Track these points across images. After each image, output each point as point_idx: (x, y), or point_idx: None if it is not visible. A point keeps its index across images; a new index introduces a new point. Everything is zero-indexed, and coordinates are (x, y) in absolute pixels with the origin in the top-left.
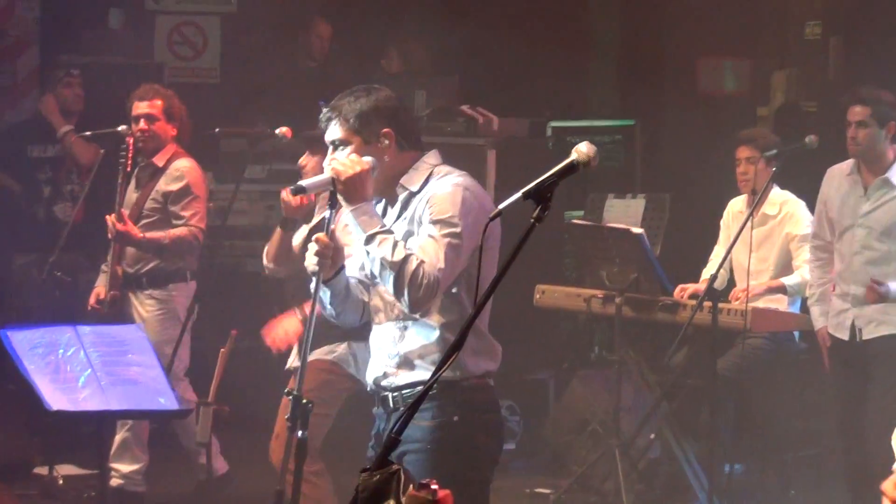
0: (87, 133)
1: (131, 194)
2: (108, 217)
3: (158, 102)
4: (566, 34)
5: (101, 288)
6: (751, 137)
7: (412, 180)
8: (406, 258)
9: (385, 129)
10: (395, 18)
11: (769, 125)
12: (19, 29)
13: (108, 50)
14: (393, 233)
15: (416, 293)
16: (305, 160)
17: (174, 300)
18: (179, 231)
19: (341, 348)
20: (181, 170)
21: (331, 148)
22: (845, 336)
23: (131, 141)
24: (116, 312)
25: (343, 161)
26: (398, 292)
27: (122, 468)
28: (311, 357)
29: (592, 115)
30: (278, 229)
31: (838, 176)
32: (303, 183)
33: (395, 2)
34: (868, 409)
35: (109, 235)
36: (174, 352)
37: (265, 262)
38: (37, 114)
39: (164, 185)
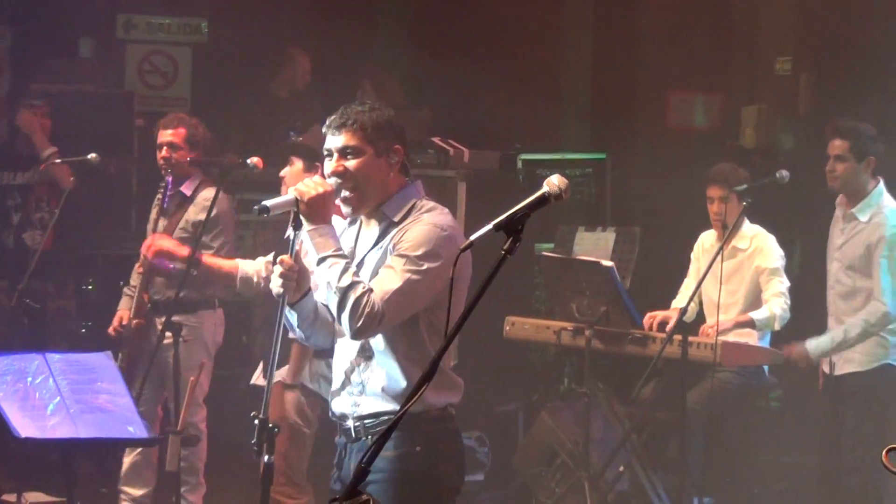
0: (58, 161)
1: (159, 222)
2: (144, 248)
3: (182, 130)
4: (538, 67)
5: (124, 312)
6: (722, 176)
7: (395, 210)
8: (352, 285)
9: (396, 146)
10: (367, 51)
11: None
12: None
13: (78, 78)
14: (347, 258)
15: (356, 322)
16: (284, 172)
17: (202, 327)
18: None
19: (305, 369)
20: (210, 199)
21: (335, 156)
22: (828, 369)
23: (171, 179)
24: (141, 339)
25: (307, 182)
26: (338, 317)
27: (133, 492)
28: (275, 379)
29: (563, 149)
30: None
31: (835, 217)
32: (267, 203)
33: (367, 34)
34: (842, 442)
35: (139, 268)
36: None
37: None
38: (6, 141)
39: (194, 214)
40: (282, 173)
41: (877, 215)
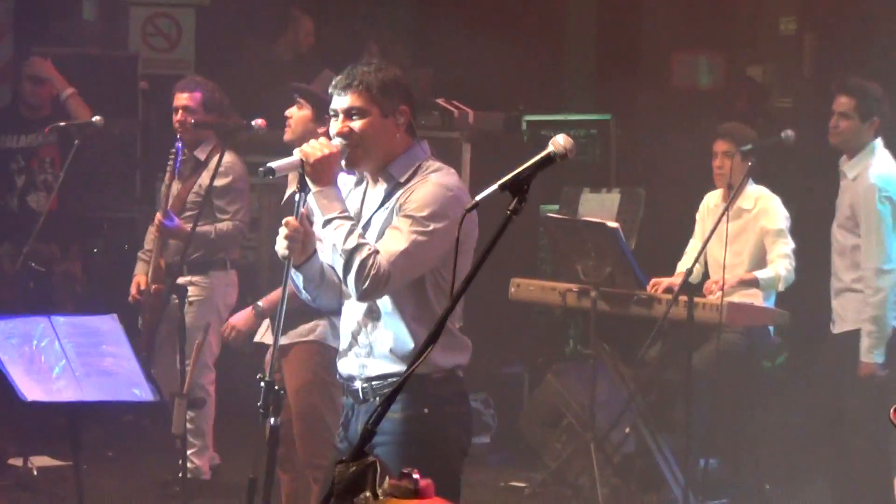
0: (61, 123)
1: (174, 186)
2: (157, 214)
3: (197, 94)
4: (542, 28)
5: (140, 277)
6: (729, 131)
7: (401, 170)
8: (358, 246)
9: (403, 107)
10: (372, 12)
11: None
12: None
13: (81, 41)
14: (352, 219)
15: (362, 283)
16: (291, 112)
17: (213, 288)
18: (225, 225)
19: (321, 325)
20: (224, 164)
21: (341, 116)
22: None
23: (180, 145)
24: (160, 304)
25: (313, 144)
26: (344, 279)
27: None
28: (291, 340)
29: (568, 110)
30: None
31: None
32: (272, 164)
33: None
34: (845, 402)
35: (155, 230)
36: (204, 339)
37: None
38: (9, 104)
39: (207, 179)
40: (287, 112)
41: (863, 171)
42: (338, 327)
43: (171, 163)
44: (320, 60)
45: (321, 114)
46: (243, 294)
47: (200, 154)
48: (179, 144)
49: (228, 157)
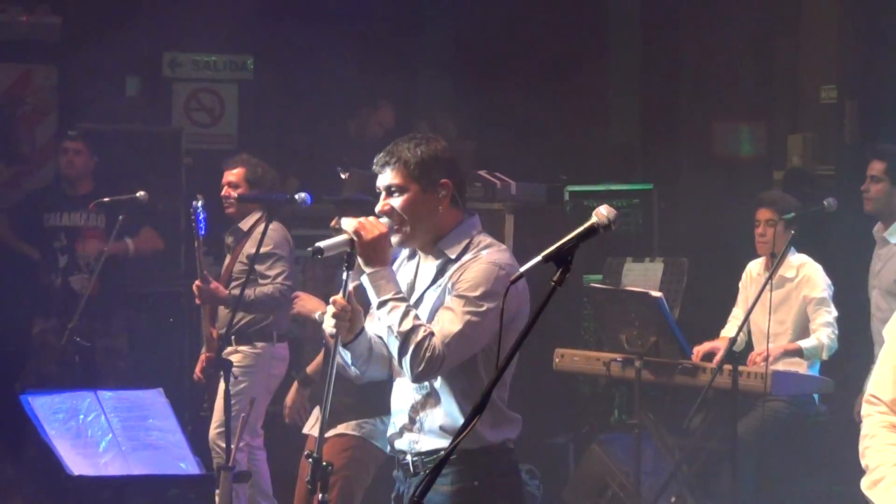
0: (105, 199)
1: (224, 260)
2: (195, 283)
3: (241, 170)
4: (584, 99)
5: (204, 354)
6: (772, 200)
7: (452, 247)
8: (413, 329)
9: (444, 180)
10: (413, 87)
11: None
12: (37, 97)
13: (125, 117)
14: (407, 301)
15: (418, 365)
16: (336, 223)
17: (259, 357)
18: (265, 288)
19: (371, 424)
20: (265, 233)
21: (384, 193)
22: None
23: (199, 204)
24: (214, 374)
25: (364, 223)
26: (399, 361)
27: None
28: (338, 431)
29: (609, 180)
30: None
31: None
32: (321, 244)
33: (412, 70)
34: None
35: (197, 301)
36: (250, 406)
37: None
38: (52, 181)
39: (250, 247)
40: (333, 223)
41: None
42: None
43: (192, 225)
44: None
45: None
46: (289, 367)
47: (244, 226)
48: (196, 203)
49: (270, 226)
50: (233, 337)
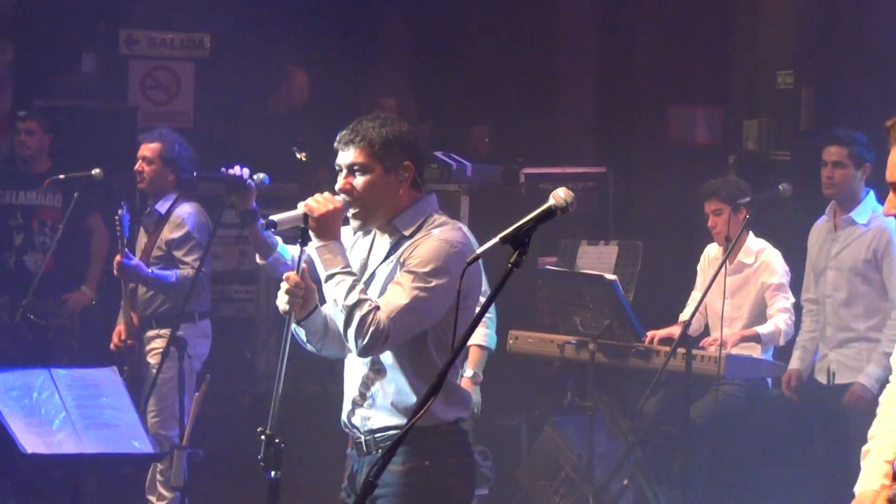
0: (61, 176)
1: (140, 239)
2: (116, 258)
3: (157, 145)
4: (539, 82)
5: (121, 327)
6: (713, 190)
7: (407, 224)
8: (358, 302)
9: (406, 162)
10: (369, 67)
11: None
12: None
13: (81, 94)
14: (354, 275)
15: (362, 338)
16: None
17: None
18: (185, 271)
19: None
20: (182, 215)
21: (344, 171)
22: (824, 380)
23: (124, 211)
24: (136, 358)
25: (317, 198)
26: (345, 334)
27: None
28: None
29: (565, 162)
30: (249, 229)
31: (817, 228)
32: (274, 217)
33: (368, 49)
34: (849, 452)
35: (115, 272)
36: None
37: (259, 262)
38: (8, 158)
39: (168, 232)
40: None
41: (876, 219)
42: None
43: (118, 230)
44: (314, 114)
45: None
46: (241, 346)
47: (161, 208)
48: (122, 212)
49: (185, 208)
50: (153, 321)
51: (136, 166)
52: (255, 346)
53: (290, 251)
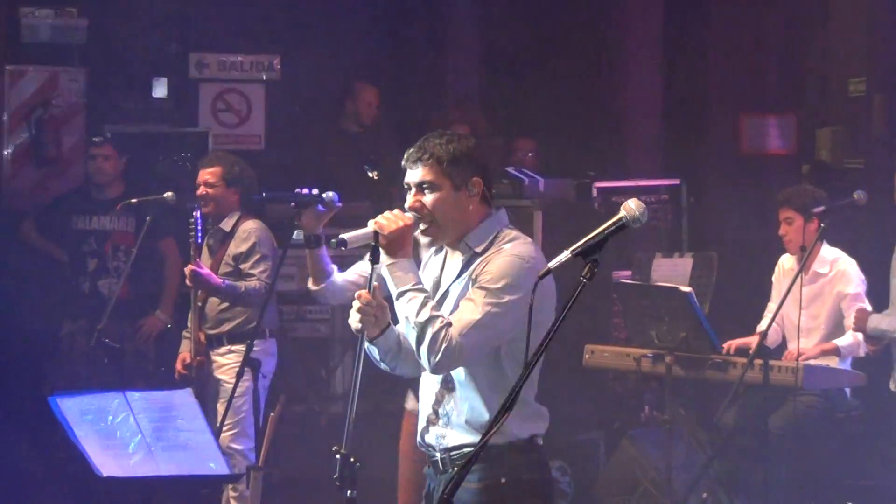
0: (133, 200)
1: (206, 259)
2: (186, 268)
3: (217, 169)
4: (610, 95)
5: (185, 353)
6: (786, 198)
7: (478, 240)
8: (430, 319)
9: (475, 178)
10: (440, 81)
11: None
12: (64, 100)
13: (152, 119)
14: (426, 292)
15: (434, 356)
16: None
17: (257, 356)
18: (253, 283)
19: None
20: (248, 230)
21: (414, 189)
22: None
23: (198, 214)
24: (203, 377)
25: (387, 216)
26: (417, 352)
27: None
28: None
29: (638, 175)
30: (307, 251)
31: None
32: (345, 236)
33: (439, 65)
34: None
35: (188, 282)
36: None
37: (311, 288)
38: (82, 184)
39: (235, 247)
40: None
41: None
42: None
43: (191, 233)
44: (385, 131)
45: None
46: (317, 366)
47: (226, 226)
48: (197, 214)
49: (250, 224)
50: (224, 337)
51: (199, 191)
52: (330, 366)
53: (339, 278)
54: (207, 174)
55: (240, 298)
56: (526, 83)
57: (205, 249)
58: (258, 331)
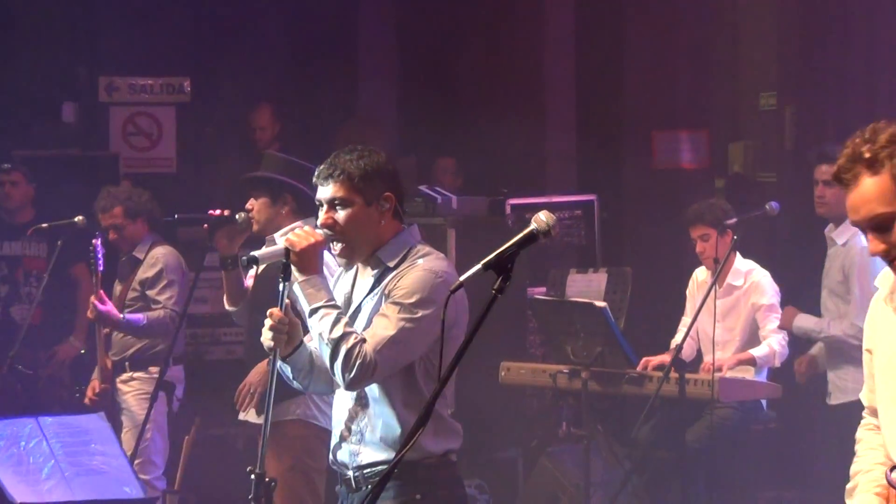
0: (44, 225)
1: (116, 287)
2: (90, 298)
3: (116, 210)
4: (523, 111)
5: (95, 381)
6: (698, 215)
7: (390, 255)
8: (343, 335)
9: (387, 193)
10: (350, 100)
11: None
12: None
13: (62, 143)
14: (339, 308)
15: (348, 373)
16: (250, 203)
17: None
18: (157, 313)
19: (303, 403)
20: (156, 256)
21: (325, 206)
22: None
23: (98, 242)
24: (108, 404)
25: (298, 233)
26: (331, 368)
27: None
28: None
29: (551, 192)
30: (223, 273)
31: None
32: (255, 253)
33: (352, 85)
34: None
35: (90, 315)
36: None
37: (227, 307)
38: None
39: (142, 273)
40: (247, 205)
41: (853, 237)
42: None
43: (92, 262)
44: (295, 150)
45: (277, 195)
46: (232, 389)
47: (139, 253)
48: (97, 242)
49: (160, 250)
50: (127, 363)
51: (111, 237)
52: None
53: None
54: (110, 218)
55: (141, 331)
56: (440, 101)
57: (116, 280)
58: (171, 357)
